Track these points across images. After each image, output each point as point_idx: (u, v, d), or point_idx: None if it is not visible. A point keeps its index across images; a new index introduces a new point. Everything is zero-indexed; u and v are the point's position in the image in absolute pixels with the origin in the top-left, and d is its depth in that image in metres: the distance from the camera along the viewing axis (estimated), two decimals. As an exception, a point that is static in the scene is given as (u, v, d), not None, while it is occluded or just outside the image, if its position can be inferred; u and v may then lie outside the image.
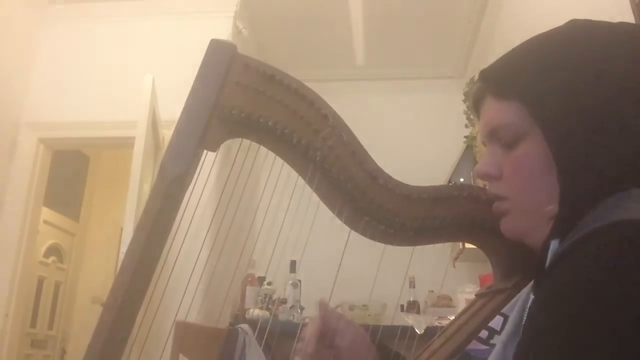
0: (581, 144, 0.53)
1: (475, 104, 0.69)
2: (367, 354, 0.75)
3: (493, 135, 0.64)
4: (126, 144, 2.86)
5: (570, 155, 0.54)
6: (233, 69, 0.74)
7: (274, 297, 3.02)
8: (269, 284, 3.01)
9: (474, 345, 0.66)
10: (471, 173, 3.28)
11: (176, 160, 0.71)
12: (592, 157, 0.53)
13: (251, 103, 0.73)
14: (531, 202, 0.59)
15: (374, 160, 0.76)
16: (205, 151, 0.74)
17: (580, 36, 0.59)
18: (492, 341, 0.63)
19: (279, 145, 0.75)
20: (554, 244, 0.52)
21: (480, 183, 0.94)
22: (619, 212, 0.47)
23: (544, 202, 0.58)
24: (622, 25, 0.60)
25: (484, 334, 0.65)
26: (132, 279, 0.70)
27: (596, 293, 0.42)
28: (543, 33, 0.63)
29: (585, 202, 0.51)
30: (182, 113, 0.73)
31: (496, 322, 0.64)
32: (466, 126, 3.51)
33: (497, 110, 0.63)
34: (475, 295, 0.78)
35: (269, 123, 0.73)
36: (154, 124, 2.85)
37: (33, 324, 4.48)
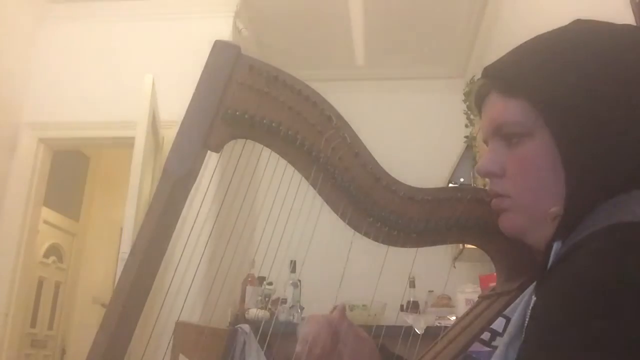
0: (590, 146, 0.53)
1: (478, 100, 0.68)
2: (370, 358, 0.74)
3: (497, 132, 0.63)
4: (126, 144, 2.86)
5: (579, 157, 0.54)
6: (237, 70, 0.74)
7: (274, 297, 3.02)
8: (269, 284, 3.01)
9: (477, 347, 0.66)
10: (471, 173, 3.29)
11: (180, 161, 0.71)
12: (601, 159, 0.53)
13: (255, 104, 0.73)
14: (534, 201, 0.59)
15: (377, 162, 0.76)
16: (208, 152, 0.74)
17: (588, 36, 0.59)
18: (494, 343, 0.63)
19: (283, 146, 0.75)
20: (556, 246, 0.52)
21: (480, 181, 0.94)
22: (620, 215, 0.47)
23: (547, 202, 0.57)
24: (627, 26, 0.60)
25: (486, 335, 0.65)
26: (135, 280, 0.70)
27: (596, 295, 0.42)
28: (550, 32, 0.63)
29: (588, 204, 0.51)
30: (185, 114, 0.73)
31: (498, 324, 0.64)
32: (466, 126, 3.51)
33: (504, 107, 0.62)
34: (479, 297, 0.78)
35: (273, 124, 0.73)
36: (154, 124, 2.85)
37: (33, 324, 4.47)
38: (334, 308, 0.76)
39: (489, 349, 0.63)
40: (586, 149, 0.54)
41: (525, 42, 0.63)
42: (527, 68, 0.60)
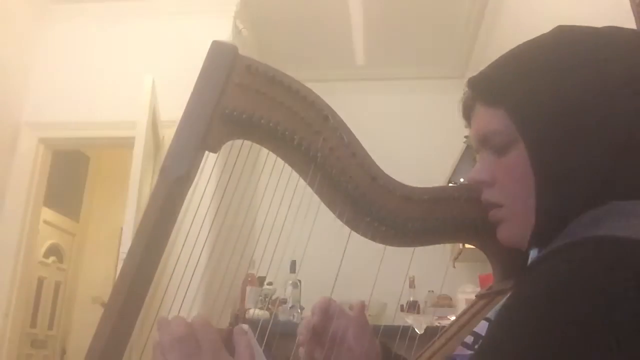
0: (561, 154, 0.53)
1: (465, 111, 0.69)
2: (371, 349, 0.75)
3: (484, 142, 0.64)
4: (126, 144, 2.86)
5: (550, 166, 0.54)
6: (234, 70, 0.74)
7: (274, 297, 3.02)
8: (269, 284, 3.01)
9: (460, 350, 0.66)
10: (470, 174, 3.29)
11: (177, 161, 0.71)
12: (573, 168, 0.52)
13: (252, 104, 0.73)
14: (524, 208, 0.59)
15: (374, 162, 0.76)
16: (206, 152, 0.74)
17: (564, 43, 0.59)
18: (477, 346, 0.63)
19: (280, 146, 0.75)
20: (533, 253, 0.52)
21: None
22: (594, 229, 0.47)
23: (534, 207, 0.57)
24: (608, 30, 0.60)
25: (469, 339, 0.65)
26: (134, 281, 0.70)
27: (553, 307, 0.42)
28: (530, 40, 0.63)
29: (565, 214, 0.51)
30: (183, 114, 0.73)
31: (482, 327, 0.65)
32: (466, 126, 3.50)
33: (486, 118, 0.63)
34: (476, 296, 0.78)
35: (270, 124, 0.73)
36: (154, 124, 2.85)
37: (33, 324, 4.48)
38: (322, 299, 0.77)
39: (472, 352, 0.63)
40: (556, 158, 0.53)
41: (508, 52, 0.64)
42: (506, 78, 0.61)
